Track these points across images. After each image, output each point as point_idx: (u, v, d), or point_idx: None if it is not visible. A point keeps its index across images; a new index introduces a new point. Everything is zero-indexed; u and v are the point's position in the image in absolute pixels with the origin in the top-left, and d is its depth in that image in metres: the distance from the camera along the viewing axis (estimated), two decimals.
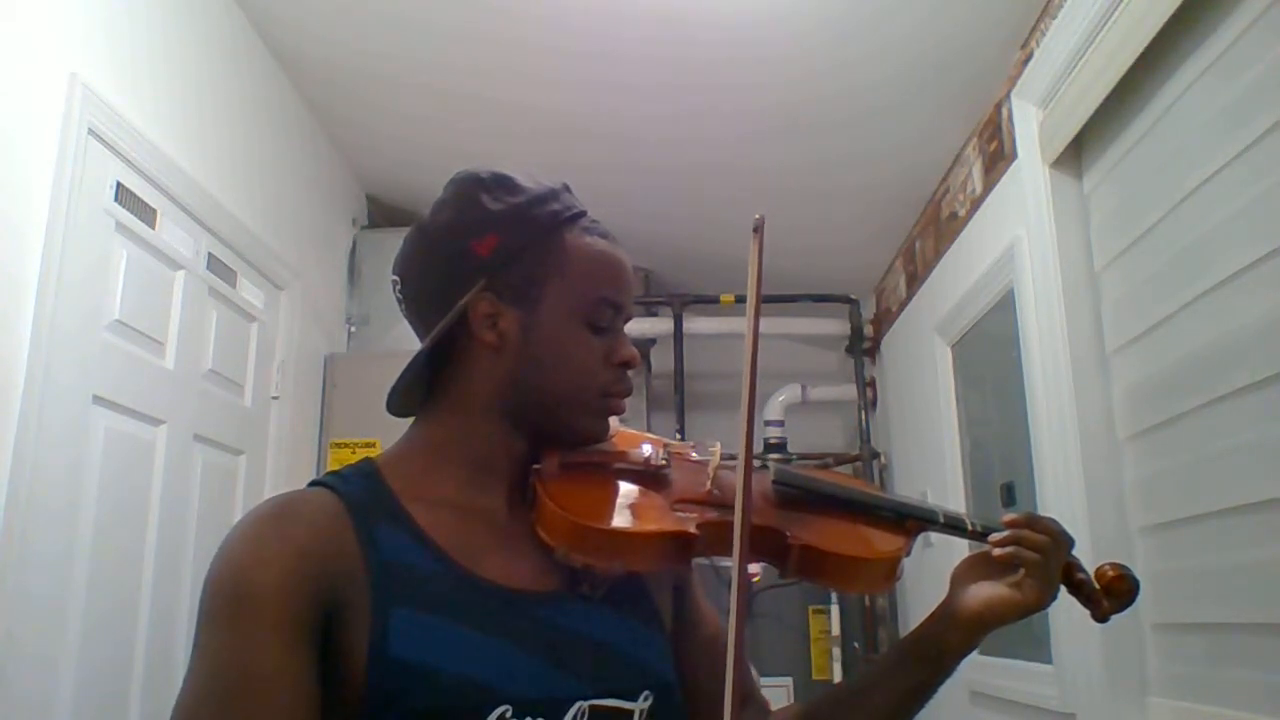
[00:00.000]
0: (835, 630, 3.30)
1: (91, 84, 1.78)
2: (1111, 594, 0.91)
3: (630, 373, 0.90)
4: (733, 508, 0.86)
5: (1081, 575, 0.92)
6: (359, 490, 0.83)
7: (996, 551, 0.89)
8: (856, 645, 3.32)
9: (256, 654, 0.73)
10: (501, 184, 0.88)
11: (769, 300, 3.66)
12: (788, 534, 0.87)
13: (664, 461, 0.90)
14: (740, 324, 0.85)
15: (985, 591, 0.89)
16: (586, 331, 0.87)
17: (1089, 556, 0.98)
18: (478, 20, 2.35)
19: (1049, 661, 2.11)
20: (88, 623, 1.76)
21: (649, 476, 0.89)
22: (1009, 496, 2.43)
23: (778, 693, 3.17)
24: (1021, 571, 0.88)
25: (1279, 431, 1.42)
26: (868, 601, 3.48)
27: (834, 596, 3.31)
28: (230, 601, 0.75)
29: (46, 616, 1.67)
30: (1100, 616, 0.92)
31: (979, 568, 0.91)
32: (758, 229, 0.80)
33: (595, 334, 0.87)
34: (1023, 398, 2.24)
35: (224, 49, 2.35)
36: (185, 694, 0.74)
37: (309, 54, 2.60)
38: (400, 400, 0.90)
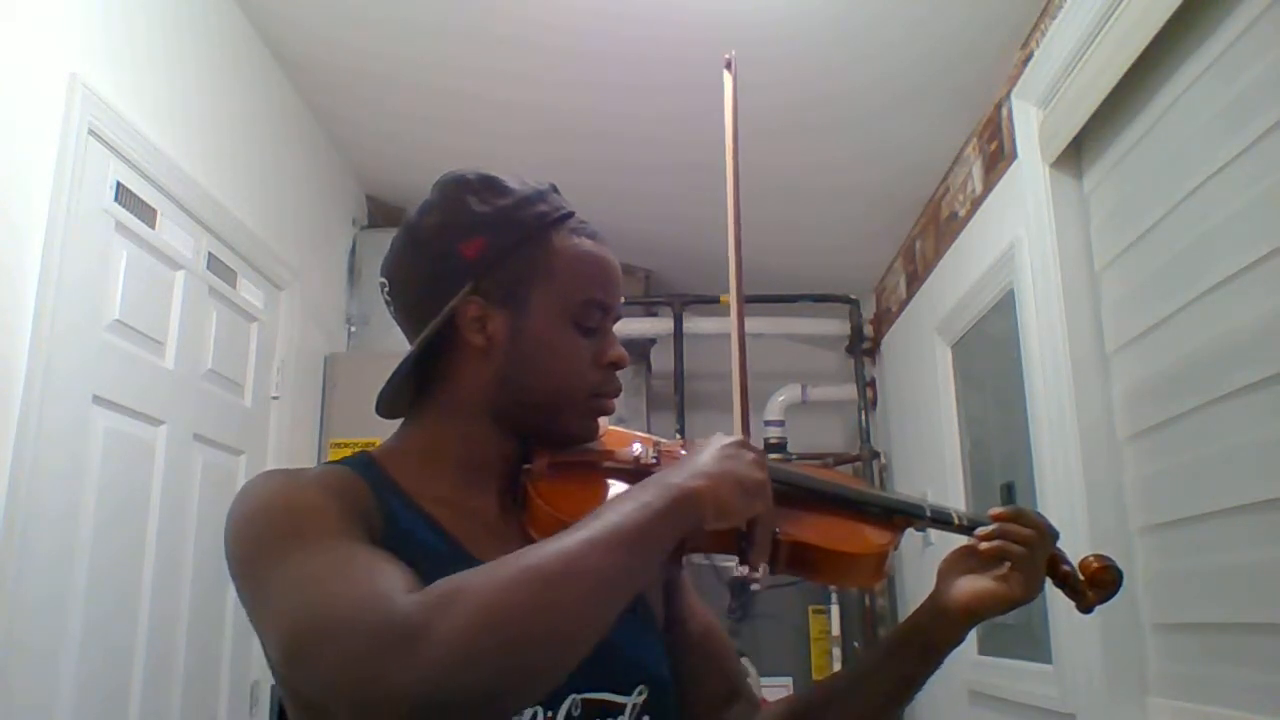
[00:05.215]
0: (835, 630, 3.30)
1: (91, 84, 1.78)
2: (1096, 585, 0.93)
3: (630, 373, 0.90)
4: None
5: (1066, 568, 0.93)
6: (367, 472, 0.84)
7: (983, 545, 0.90)
8: (856, 645, 3.31)
9: (345, 535, 0.71)
10: (488, 186, 0.87)
11: (768, 300, 3.66)
12: (777, 530, 0.87)
13: (654, 460, 0.90)
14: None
15: (972, 585, 0.90)
16: (575, 332, 0.87)
17: None
18: (478, 20, 2.35)
19: (1049, 661, 2.11)
20: (88, 623, 1.76)
21: (639, 475, 0.89)
22: (1009, 496, 2.43)
23: (778, 693, 3.15)
24: (1007, 565, 0.89)
25: (1279, 431, 1.42)
26: (868, 601, 3.48)
27: (834, 596, 3.32)
28: (287, 518, 0.72)
29: (46, 616, 1.67)
30: (1085, 608, 0.94)
31: (965, 561, 0.92)
32: (729, 65, 0.75)
33: (583, 335, 0.87)
34: (1023, 398, 2.24)
35: (224, 49, 2.35)
36: (289, 599, 0.67)
37: (309, 54, 2.60)
38: (389, 402, 0.90)
